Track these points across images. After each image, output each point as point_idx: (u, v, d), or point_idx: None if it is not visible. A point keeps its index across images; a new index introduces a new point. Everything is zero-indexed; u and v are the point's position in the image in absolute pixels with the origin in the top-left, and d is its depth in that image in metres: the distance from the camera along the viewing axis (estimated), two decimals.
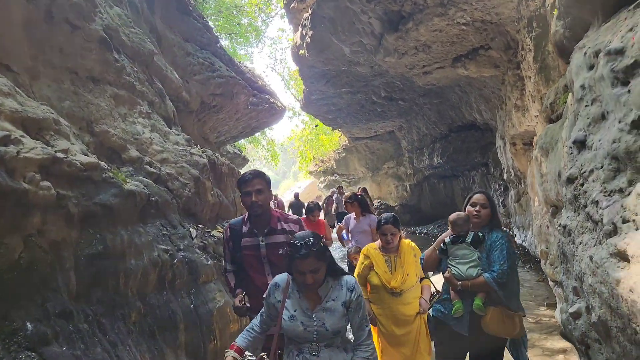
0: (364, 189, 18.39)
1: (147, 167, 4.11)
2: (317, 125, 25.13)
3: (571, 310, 2.02)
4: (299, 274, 2.32)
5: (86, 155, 3.26)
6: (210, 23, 26.68)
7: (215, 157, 5.26)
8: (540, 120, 6.46)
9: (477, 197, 3.31)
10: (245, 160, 23.72)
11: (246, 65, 14.90)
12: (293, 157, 39.33)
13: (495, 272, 2.95)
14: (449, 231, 3.34)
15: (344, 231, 6.13)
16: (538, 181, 4.41)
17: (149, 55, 5.13)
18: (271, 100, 10.38)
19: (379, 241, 4.02)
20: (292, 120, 68.62)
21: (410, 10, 9.51)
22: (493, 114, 12.56)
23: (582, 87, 2.16)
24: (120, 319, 3.12)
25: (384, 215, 4.07)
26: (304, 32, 14.17)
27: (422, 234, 16.83)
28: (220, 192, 5.10)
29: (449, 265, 3.13)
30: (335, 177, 28.49)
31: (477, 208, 3.20)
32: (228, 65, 8.30)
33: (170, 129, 5.02)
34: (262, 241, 3.06)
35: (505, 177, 11.64)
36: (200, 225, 4.51)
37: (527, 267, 9.31)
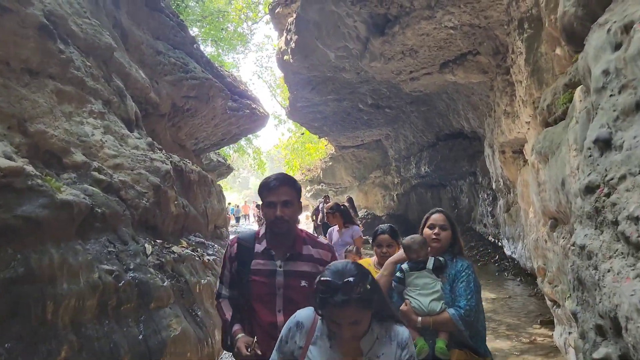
0: (350, 199, 18.06)
1: (95, 173, 3.58)
2: (303, 134, 24.73)
3: (596, 355, 1.59)
4: (334, 324, 1.70)
5: (9, 158, 2.74)
6: (195, 30, 26.23)
7: (183, 163, 4.75)
8: (534, 125, 6.06)
9: (435, 217, 2.81)
10: (229, 169, 23.17)
11: (230, 72, 14.39)
12: (280, 165, 38.86)
13: (462, 309, 2.44)
14: (400, 253, 2.85)
15: None
16: (534, 190, 3.96)
17: (107, 50, 4.62)
18: (253, 105, 9.89)
19: (375, 257, 3.56)
20: (278, 128, 68.18)
21: (396, 13, 9.15)
22: (481, 122, 12.25)
23: (605, 72, 1.73)
24: (45, 356, 2.58)
25: (381, 225, 3.62)
26: (288, 37, 13.80)
27: None
28: (187, 202, 4.58)
29: (407, 297, 2.61)
30: (322, 186, 28.09)
31: (436, 230, 2.74)
32: (206, 67, 7.77)
33: (131, 131, 4.50)
34: (280, 267, 2.36)
35: (494, 187, 11.28)
36: (158, 240, 3.98)
37: (518, 280, 8.90)
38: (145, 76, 5.37)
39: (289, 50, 13.97)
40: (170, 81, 6.05)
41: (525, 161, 8.70)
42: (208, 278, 3.98)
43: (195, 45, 7.63)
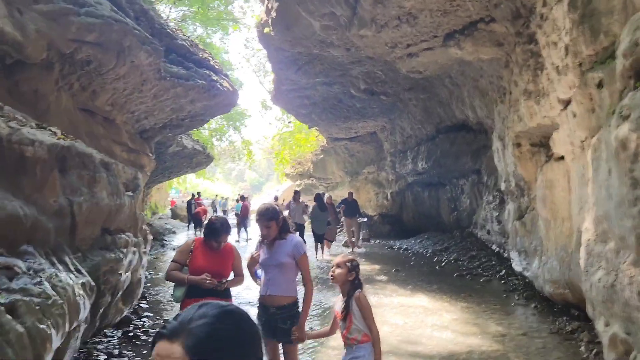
0: (351, 193, 16.08)
1: None
2: (290, 122, 22.86)
3: None
4: None
5: None
6: (184, 9, 24.18)
7: (8, 127, 2.84)
8: (583, 97, 4.17)
9: None
10: (209, 158, 21.24)
11: (188, 37, 11.99)
12: (271, 157, 36.98)
13: None
14: None
15: (257, 265, 3.76)
16: (616, 195, 2.05)
17: None
18: (213, 77, 7.97)
19: None
20: (264, 116, 65.62)
21: None
22: (489, 111, 10.42)
23: None
24: None
25: None
26: (269, 6, 11.95)
27: (402, 250, 14.56)
28: (9, 195, 2.69)
29: None
30: (312, 180, 26.27)
31: None
32: (139, 16, 5.79)
33: None
34: None
35: (502, 188, 9.43)
36: None
37: (532, 307, 7.05)
38: None
39: (269, 21, 12.12)
40: (46, 14, 4.04)
41: (549, 156, 6.83)
42: None
43: None
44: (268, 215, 3.49)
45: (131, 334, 5.70)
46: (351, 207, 14.95)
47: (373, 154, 20.29)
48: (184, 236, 19.43)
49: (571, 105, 4.46)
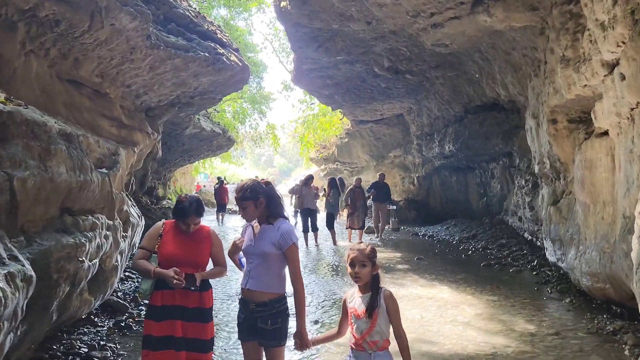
0: (382, 175, 15.20)
1: None
2: (313, 103, 22.22)
3: None
4: None
5: None
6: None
7: None
8: (636, 50, 3.43)
9: None
10: (230, 141, 20.87)
11: (191, 7, 11.21)
12: (295, 141, 36.46)
13: None
14: None
15: (241, 252, 3.24)
16: None
17: None
18: (219, 50, 7.46)
19: None
20: (288, 98, 65.87)
21: None
22: (523, 87, 9.55)
23: None
24: None
25: None
26: None
27: (427, 237, 13.86)
28: None
29: None
30: (337, 165, 25.66)
31: None
32: None
33: None
34: None
35: (536, 170, 8.62)
36: None
37: (567, 301, 6.33)
38: None
39: None
40: None
41: (589, 133, 6.03)
42: None
43: None
44: (242, 195, 2.96)
45: (123, 324, 5.34)
46: (382, 191, 14.14)
47: (399, 137, 19.49)
48: (205, 222, 19.29)
49: (619, 66, 3.71)
